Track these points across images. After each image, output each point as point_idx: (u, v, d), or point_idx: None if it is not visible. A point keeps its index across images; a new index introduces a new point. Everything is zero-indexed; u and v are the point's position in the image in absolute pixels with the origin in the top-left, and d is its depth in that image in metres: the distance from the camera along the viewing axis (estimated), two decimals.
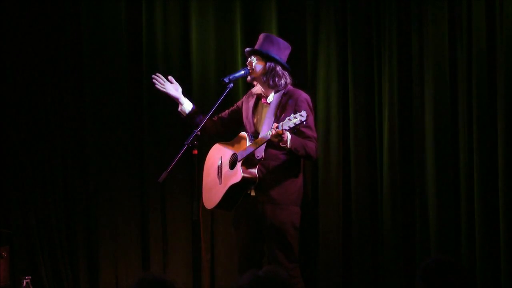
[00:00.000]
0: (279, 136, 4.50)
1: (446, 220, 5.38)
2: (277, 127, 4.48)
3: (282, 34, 5.72)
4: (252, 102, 4.92)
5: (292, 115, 4.47)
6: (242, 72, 4.91)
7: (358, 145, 5.74)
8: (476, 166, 5.23)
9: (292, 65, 5.00)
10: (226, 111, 5.10)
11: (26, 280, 5.71)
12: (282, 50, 4.87)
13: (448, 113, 5.41)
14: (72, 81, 6.11)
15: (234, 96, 5.65)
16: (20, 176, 6.05)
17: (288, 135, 4.55)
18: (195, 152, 4.64)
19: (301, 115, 4.45)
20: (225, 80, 4.84)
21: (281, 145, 4.58)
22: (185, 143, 4.63)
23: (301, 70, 5.71)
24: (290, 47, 4.94)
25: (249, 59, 4.88)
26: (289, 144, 4.56)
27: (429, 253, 5.38)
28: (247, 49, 4.96)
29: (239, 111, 5.02)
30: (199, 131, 4.66)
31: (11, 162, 6.05)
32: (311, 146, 4.70)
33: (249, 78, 4.88)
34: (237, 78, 4.94)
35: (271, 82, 4.80)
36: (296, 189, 4.79)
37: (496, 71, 5.20)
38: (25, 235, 6.03)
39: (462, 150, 5.34)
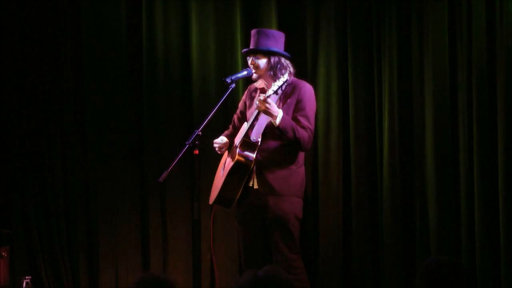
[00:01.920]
0: (262, 103, 4.52)
1: (446, 220, 5.38)
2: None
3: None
4: (257, 95, 4.91)
5: (277, 80, 4.53)
6: (245, 72, 4.90)
7: (358, 145, 5.74)
8: (476, 166, 5.23)
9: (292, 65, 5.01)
10: (235, 120, 5.08)
11: (26, 280, 5.72)
12: (278, 41, 4.88)
13: (448, 113, 5.41)
14: (72, 81, 6.11)
15: (235, 96, 5.65)
16: (20, 176, 6.05)
17: (280, 113, 4.57)
18: (196, 152, 4.64)
19: (283, 76, 4.52)
20: (227, 80, 4.84)
21: (272, 120, 4.58)
22: (186, 143, 4.63)
23: (301, 70, 5.71)
24: (284, 34, 4.95)
25: (250, 58, 4.87)
26: (278, 120, 4.57)
27: (429, 253, 5.38)
28: (245, 50, 4.94)
29: (245, 112, 5.02)
30: (200, 131, 4.66)
31: (11, 162, 6.05)
32: (303, 133, 4.70)
33: (254, 76, 4.86)
34: (239, 79, 4.94)
35: (279, 75, 4.79)
36: (299, 181, 4.79)
37: (496, 71, 5.19)
38: (25, 235, 6.03)
39: (462, 150, 5.34)
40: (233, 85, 4.86)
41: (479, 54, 5.24)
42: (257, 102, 4.55)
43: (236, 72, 5.09)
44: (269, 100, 4.51)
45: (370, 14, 5.72)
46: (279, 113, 4.57)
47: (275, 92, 4.52)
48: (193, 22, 6.07)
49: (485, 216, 5.19)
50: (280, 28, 5.85)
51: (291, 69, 4.85)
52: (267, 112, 4.56)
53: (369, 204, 5.72)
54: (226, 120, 5.38)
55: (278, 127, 4.60)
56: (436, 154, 5.41)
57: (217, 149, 4.96)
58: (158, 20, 6.09)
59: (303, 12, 5.93)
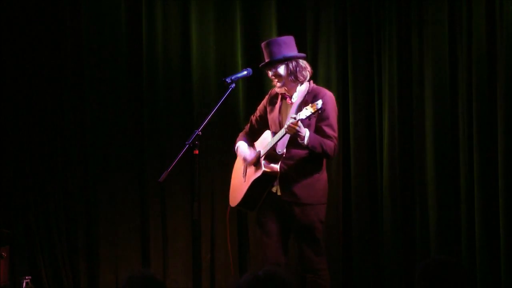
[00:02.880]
0: (292, 128, 4.50)
1: (446, 220, 5.38)
2: (294, 118, 4.49)
3: (282, 34, 5.72)
4: (278, 101, 4.91)
5: (309, 105, 4.49)
6: (245, 72, 4.89)
7: (358, 145, 5.74)
8: (476, 166, 5.23)
9: None
10: (253, 121, 5.06)
11: (26, 280, 5.72)
12: (290, 45, 4.87)
13: (448, 113, 5.41)
14: (72, 81, 6.11)
15: (235, 96, 5.65)
16: (20, 176, 6.05)
17: (306, 132, 4.56)
18: (196, 152, 4.63)
19: (317, 104, 4.46)
20: (227, 80, 4.83)
21: (299, 141, 4.58)
22: (186, 143, 4.62)
23: None
24: (292, 37, 4.94)
25: (270, 72, 4.84)
26: (306, 140, 4.57)
27: (429, 253, 5.38)
28: (262, 64, 4.89)
29: (265, 116, 5.01)
30: (200, 131, 4.66)
31: (11, 162, 6.05)
32: (329, 144, 4.69)
33: (279, 84, 4.83)
34: (239, 79, 4.92)
35: (300, 77, 4.79)
36: (322, 187, 4.78)
37: (496, 71, 5.20)
38: (25, 235, 6.03)
39: (462, 150, 5.34)
40: (233, 85, 4.84)
41: (479, 54, 5.24)
42: (286, 126, 4.53)
43: (236, 72, 5.08)
44: (299, 123, 4.52)
45: (370, 14, 5.72)
46: (306, 133, 4.58)
47: (308, 118, 4.51)
48: (193, 22, 6.07)
49: (485, 216, 5.19)
50: (280, 29, 5.86)
51: (309, 68, 4.86)
52: (296, 134, 4.57)
53: (369, 204, 5.72)
54: (226, 120, 5.39)
55: (307, 146, 4.61)
56: (436, 154, 5.41)
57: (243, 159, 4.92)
58: (158, 20, 6.09)
59: (303, 13, 5.93)
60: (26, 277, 5.75)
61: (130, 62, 6.14)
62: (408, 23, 5.56)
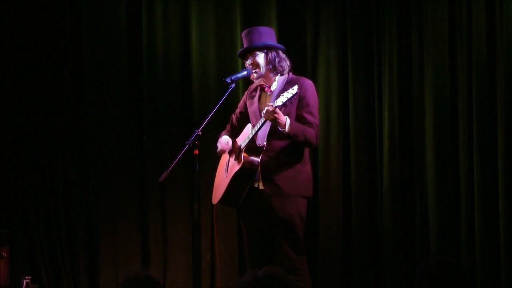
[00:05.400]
0: (271, 114, 4.46)
1: (446, 220, 5.38)
2: (271, 106, 4.46)
3: (282, 34, 5.74)
4: (257, 94, 4.90)
5: (285, 92, 4.46)
6: (245, 72, 4.88)
7: (358, 145, 5.74)
8: (476, 166, 5.24)
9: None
10: (234, 119, 5.07)
11: (26, 280, 5.72)
12: (271, 35, 4.87)
13: (448, 113, 5.41)
14: (72, 81, 6.11)
15: (235, 96, 5.65)
16: (20, 176, 6.05)
17: (287, 120, 4.53)
18: (196, 152, 4.63)
19: (292, 89, 4.43)
20: (227, 80, 4.82)
21: (280, 129, 4.54)
22: (186, 143, 4.62)
23: (301, 70, 5.71)
24: (273, 29, 4.95)
25: (248, 59, 4.85)
26: (288, 128, 4.53)
27: (429, 253, 5.38)
28: (241, 50, 4.91)
29: (245, 113, 5.01)
30: (200, 131, 4.65)
31: (11, 162, 6.05)
32: (311, 132, 4.66)
33: (255, 75, 4.83)
34: (239, 78, 4.92)
35: (279, 68, 4.77)
36: (304, 181, 4.74)
37: (496, 71, 5.20)
38: (25, 235, 6.03)
39: (462, 150, 5.34)
40: (233, 85, 4.84)
41: (479, 54, 5.24)
42: (264, 112, 4.50)
43: (236, 72, 5.08)
44: (276, 110, 4.48)
45: (370, 14, 5.73)
46: (286, 121, 4.54)
47: (284, 104, 4.46)
48: (193, 21, 6.08)
49: (485, 216, 5.19)
50: (280, 28, 5.86)
51: (289, 62, 4.84)
52: (275, 121, 4.52)
53: (369, 204, 5.72)
54: (226, 120, 5.37)
55: (288, 134, 4.57)
56: (436, 154, 5.42)
57: (220, 151, 4.92)
58: (158, 20, 6.10)
59: (303, 12, 5.93)
60: (26, 277, 5.75)
61: (130, 62, 6.14)
62: (408, 23, 5.57)
